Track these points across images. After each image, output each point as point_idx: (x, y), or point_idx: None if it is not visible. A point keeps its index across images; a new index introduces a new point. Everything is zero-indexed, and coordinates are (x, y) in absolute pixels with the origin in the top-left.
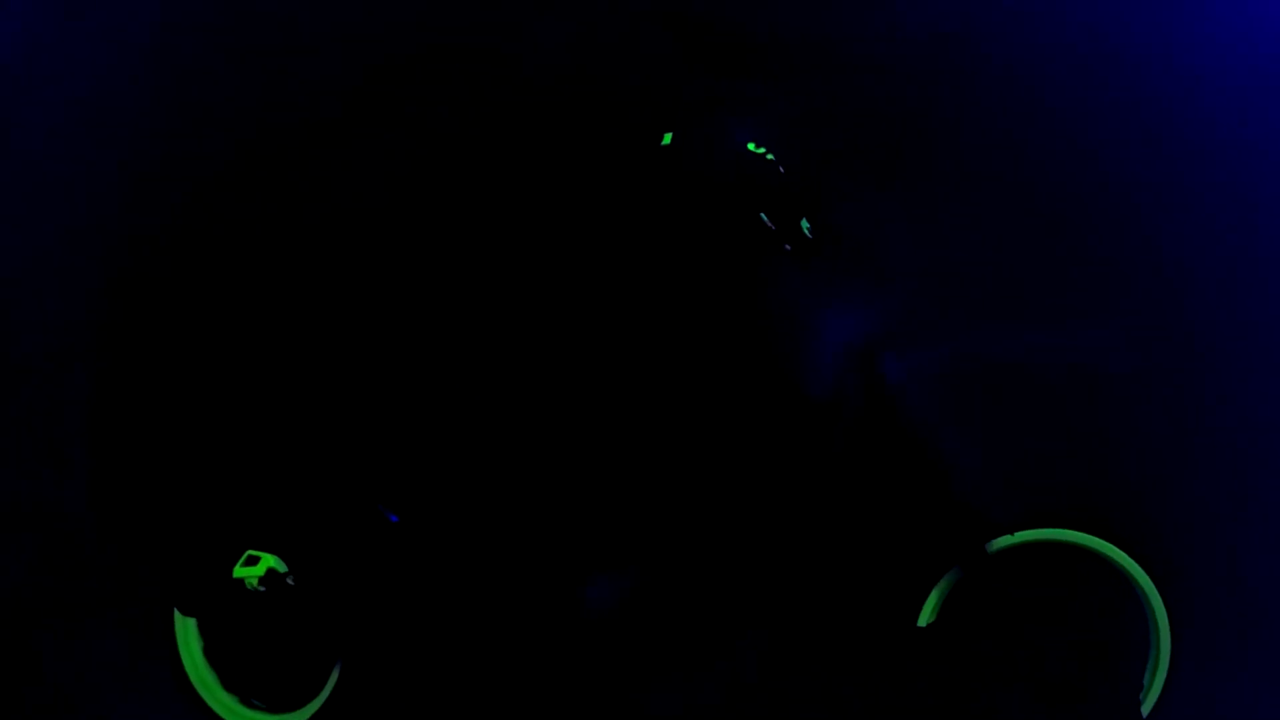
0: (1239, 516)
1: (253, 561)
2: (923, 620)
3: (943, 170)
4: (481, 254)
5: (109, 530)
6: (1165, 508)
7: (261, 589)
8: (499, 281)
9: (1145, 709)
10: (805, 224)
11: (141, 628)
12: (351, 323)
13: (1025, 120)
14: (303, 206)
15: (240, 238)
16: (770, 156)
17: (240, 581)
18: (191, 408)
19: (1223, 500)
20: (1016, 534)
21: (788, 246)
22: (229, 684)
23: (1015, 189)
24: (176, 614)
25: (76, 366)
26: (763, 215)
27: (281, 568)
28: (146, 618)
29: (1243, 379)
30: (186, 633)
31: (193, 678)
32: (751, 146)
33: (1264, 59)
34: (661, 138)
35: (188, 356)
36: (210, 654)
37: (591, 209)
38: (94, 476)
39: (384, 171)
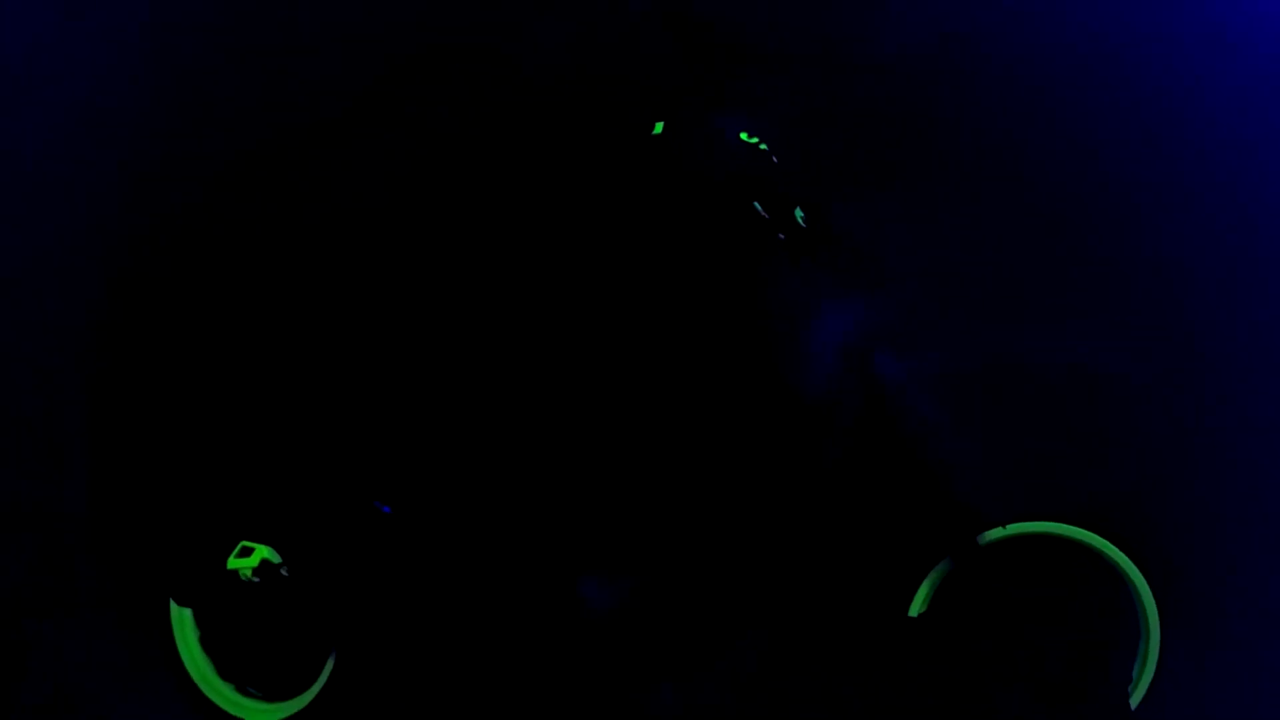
0: (1239, 517)
1: (246, 553)
2: (914, 610)
3: (943, 170)
4: (481, 253)
5: (109, 529)
6: (1165, 508)
7: (256, 580)
8: (498, 280)
9: (1134, 701)
10: (799, 213)
11: (141, 628)
12: (350, 321)
13: (1025, 120)
14: (303, 206)
15: (240, 238)
16: (763, 146)
17: (234, 572)
18: (188, 403)
19: (1222, 500)
20: (1009, 526)
21: (782, 236)
22: (225, 673)
23: (1015, 189)
24: (172, 604)
25: (76, 366)
26: (756, 204)
27: (275, 559)
28: (146, 618)
29: (1243, 379)
30: (182, 623)
31: (189, 668)
32: (744, 136)
33: (1264, 59)
34: (653, 127)
35: (187, 356)
36: (206, 644)
37: (589, 207)
38: (94, 476)
39: (384, 171)
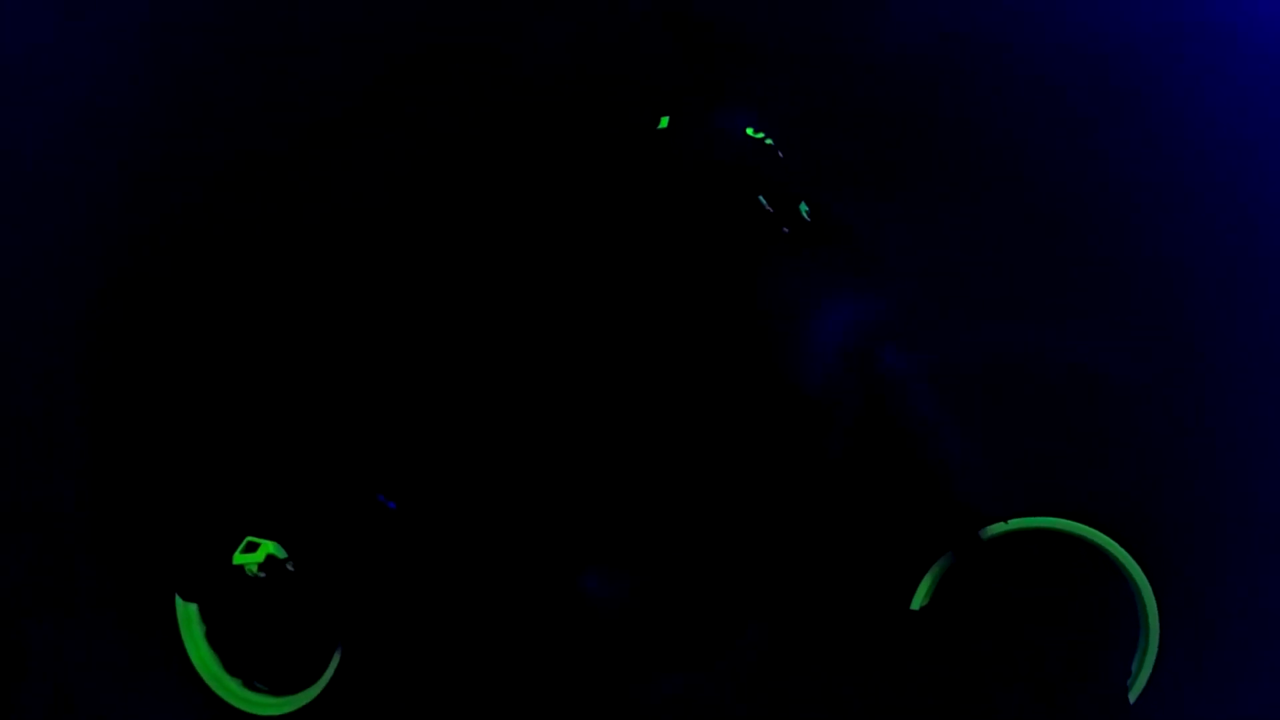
0: (1238, 516)
1: (252, 548)
2: (916, 603)
3: (943, 170)
4: (481, 253)
5: (109, 529)
6: (1164, 508)
7: (261, 575)
8: (498, 279)
9: (1133, 695)
10: (804, 207)
11: (141, 627)
12: (351, 321)
13: (1025, 120)
14: (303, 206)
15: (240, 238)
16: (769, 141)
17: (240, 568)
18: (191, 400)
19: (1222, 499)
20: (1010, 521)
21: (786, 230)
22: (232, 668)
23: (1015, 189)
24: (179, 600)
25: (76, 366)
26: (761, 198)
27: (281, 554)
28: (147, 617)
29: (1242, 379)
30: (189, 619)
31: (196, 662)
32: (750, 131)
33: (1264, 59)
34: (658, 121)
35: (187, 355)
36: (213, 639)
37: (590, 204)
38: (94, 476)
39: (384, 171)
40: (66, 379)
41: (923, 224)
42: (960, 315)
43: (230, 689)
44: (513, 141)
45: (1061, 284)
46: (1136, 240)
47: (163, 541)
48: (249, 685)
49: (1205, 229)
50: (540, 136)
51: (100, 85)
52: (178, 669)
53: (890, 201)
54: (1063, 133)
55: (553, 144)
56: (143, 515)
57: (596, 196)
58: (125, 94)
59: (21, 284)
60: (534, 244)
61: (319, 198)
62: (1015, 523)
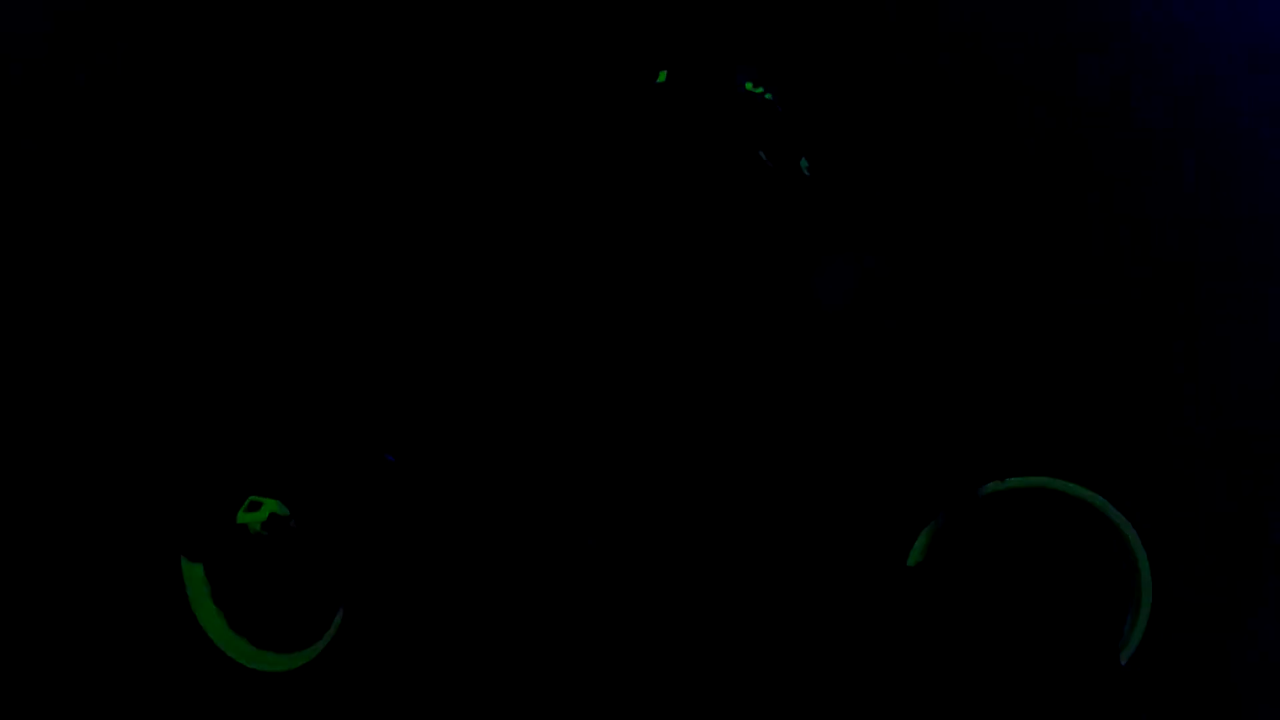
0: (1236, 515)
1: (255, 507)
2: (911, 560)
3: (942, 168)
4: (481, 253)
5: (109, 528)
6: (1163, 507)
7: (265, 533)
8: (498, 280)
9: (1124, 656)
10: (804, 163)
11: (141, 627)
12: (352, 322)
13: (1026, 119)
14: (302, 206)
15: (240, 238)
16: (768, 96)
17: (244, 527)
18: (191, 377)
19: (1220, 498)
20: (1007, 480)
21: (786, 185)
22: (238, 626)
23: (1015, 188)
24: (184, 561)
25: (76, 366)
26: (761, 154)
27: (284, 512)
28: (147, 617)
29: (1243, 378)
30: (195, 579)
31: (203, 622)
32: (750, 86)
33: (1265, 59)
34: (656, 76)
35: (188, 354)
36: (218, 598)
37: (589, 195)
38: (93, 476)
39: (384, 171)
40: (66, 379)
41: (922, 224)
42: (959, 315)
43: (237, 647)
44: (512, 142)
45: (1062, 284)
46: (1137, 240)
47: (167, 504)
48: (254, 643)
49: (1205, 229)
50: (541, 137)
51: (98, 83)
52: (178, 668)
53: (890, 202)
54: (1062, 132)
55: (554, 144)
56: (143, 513)
57: (596, 156)
58: (124, 93)
59: (21, 283)
60: (534, 245)
61: (319, 198)
62: (1011, 481)
